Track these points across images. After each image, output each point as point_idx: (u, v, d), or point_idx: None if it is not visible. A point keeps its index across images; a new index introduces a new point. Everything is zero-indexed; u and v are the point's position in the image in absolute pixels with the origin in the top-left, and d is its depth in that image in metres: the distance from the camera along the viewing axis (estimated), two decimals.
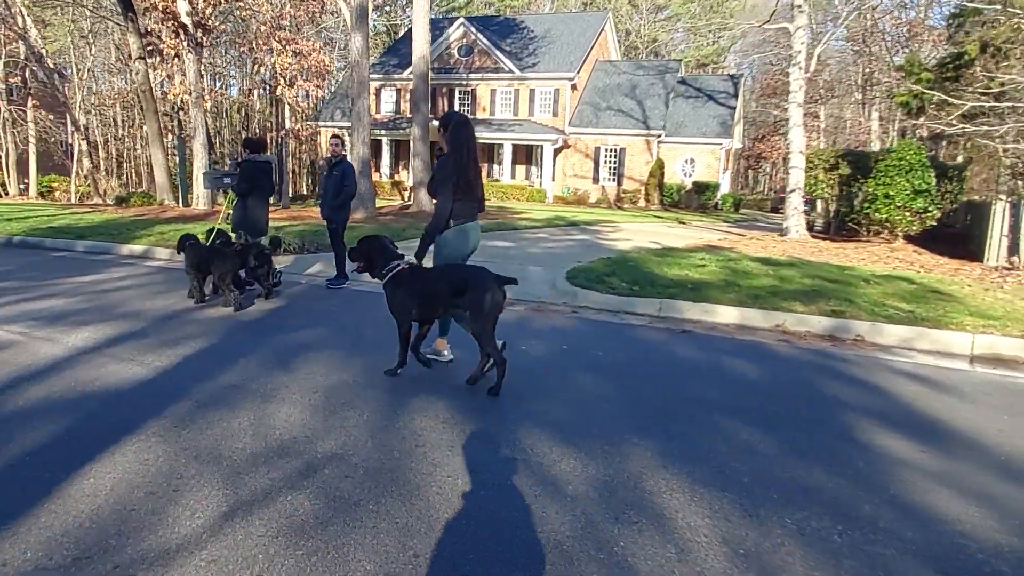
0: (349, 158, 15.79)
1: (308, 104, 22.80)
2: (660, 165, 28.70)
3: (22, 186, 28.08)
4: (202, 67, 17.00)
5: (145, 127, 20.22)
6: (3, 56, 25.60)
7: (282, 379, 4.27)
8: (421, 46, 17.81)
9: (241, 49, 19.88)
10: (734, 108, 29.63)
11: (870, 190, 13.48)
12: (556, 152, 30.24)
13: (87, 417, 3.56)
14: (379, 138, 32.13)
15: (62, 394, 3.89)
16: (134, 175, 37.25)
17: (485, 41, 30.89)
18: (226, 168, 11.00)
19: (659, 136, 28.98)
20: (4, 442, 3.20)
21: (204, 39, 15.63)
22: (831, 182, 16.09)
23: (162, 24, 15.31)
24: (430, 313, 4.23)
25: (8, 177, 27.38)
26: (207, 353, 4.86)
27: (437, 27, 33.16)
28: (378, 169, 33.60)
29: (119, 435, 3.31)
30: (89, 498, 2.70)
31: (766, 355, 5.35)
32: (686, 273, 8.37)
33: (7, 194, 27.28)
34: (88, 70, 31.33)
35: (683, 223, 20.14)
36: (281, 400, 3.89)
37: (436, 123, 5.80)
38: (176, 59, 16.39)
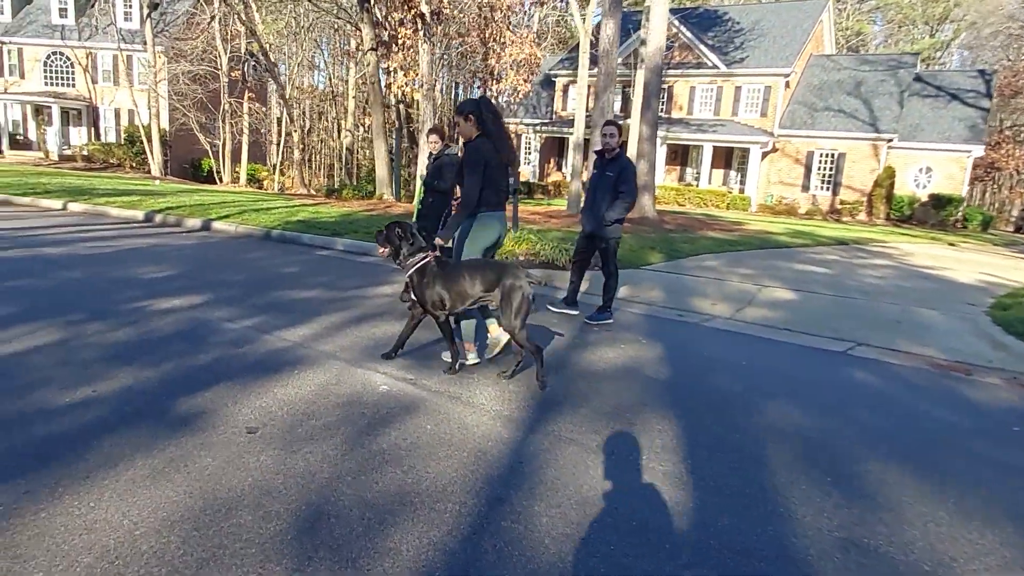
0: (591, 160, 14.60)
1: (515, 99, 21.76)
2: (890, 174, 24.95)
3: (227, 175, 29.86)
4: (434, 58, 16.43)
5: (355, 121, 20.22)
6: (228, 51, 27.12)
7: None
8: (657, 37, 16.04)
9: (456, 41, 19.10)
10: (986, 110, 25.19)
11: None
12: (763, 156, 27.33)
13: None
14: (564, 135, 30.92)
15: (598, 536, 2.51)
16: (323, 167, 38.85)
17: (687, 34, 28.58)
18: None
19: (890, 140, 25.22)
20: None
21: (438, 29, 15.01)
22: None
23: (400, 12, 14.83)
24: (458, 304, 4.09)
25: (223, 166, 29.10)
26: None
27: (630, 20, 31.31)
28: (560, 168, 32.45)
29: None
30: None
31: None
32: None
33: (221, 181, 28.99)
34: (299, 65, 32.90)
35: (953, 246, 16.82)
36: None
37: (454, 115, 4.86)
38: (402, 50, 15.94)
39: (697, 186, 27.80)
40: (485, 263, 4.17)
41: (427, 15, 14.47)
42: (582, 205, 6.66)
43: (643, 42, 20.87)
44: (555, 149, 32.75)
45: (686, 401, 4.03)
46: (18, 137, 32.13)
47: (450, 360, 4.24)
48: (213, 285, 6.53)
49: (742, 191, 27.46)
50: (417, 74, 15.71)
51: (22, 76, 32.19)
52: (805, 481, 3.04)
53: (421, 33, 14.58)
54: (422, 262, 4.10)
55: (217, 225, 11.49)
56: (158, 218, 12.14)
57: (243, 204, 14.74)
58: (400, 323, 5.38)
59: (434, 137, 6.34)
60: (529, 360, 4.11)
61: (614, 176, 5.91)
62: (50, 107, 31.28)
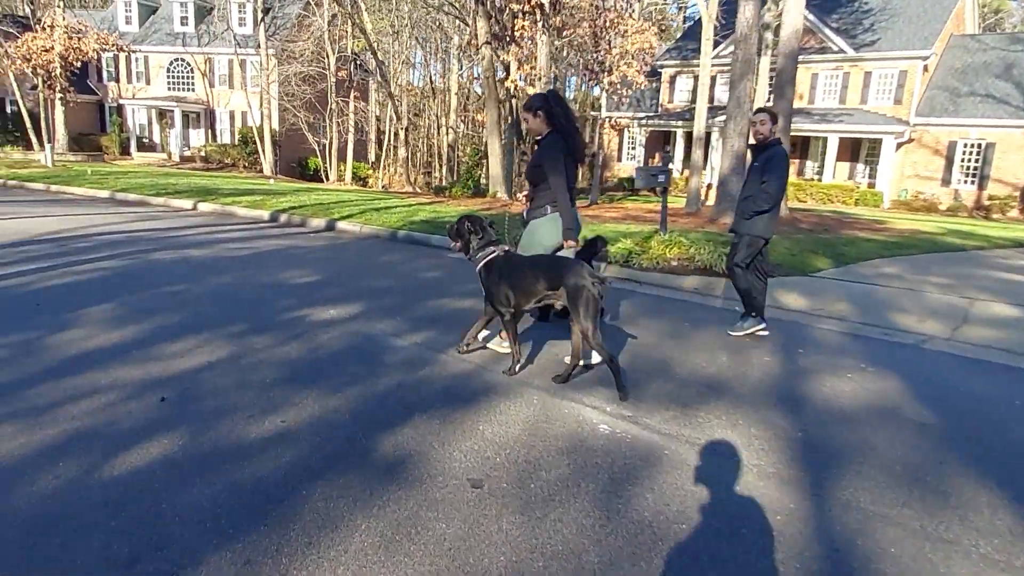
0: (718, 155, 13.47)
1: (625, 93, 20.81)
2: None
3: (334, 173, 30.50)
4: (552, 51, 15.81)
5: (482, 117, 19.86)
6: (336, 51, 27.62)
7: None
8: (794, 18, 14.66)
9: (567, 33, 18.37)
10: None
11: None
12: (897, 147, 25.00)
13: None
14: (672, 129, 29.61)
15: None
16: (420, 164, 39.18)
17: (810, 16, 26.42)
18: (658, 164, 8.92)
19: None
20: None
21: (557, 20, 14.40)
22: None
23: (518, 3, 14.31)
24: (523, 302, 3.89)
25: (329, 164, 29.75)
26: None
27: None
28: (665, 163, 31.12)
29: None
30: None
31: None
32: None
33: (327, 179, 29.65)
34: (403, 63, 33.29)
35: None
36: None
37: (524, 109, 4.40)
38: (517, 43, 15.40)
39: (820, 180, 25.80)
40: (550, 259, 4.00)
41: (546, 5, 13.86)
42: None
43: (766, 26, 19.40)
44: (660, 143, 31.43)
45: (1012, 463, 3.16)
46: (144, 140, 34.22)
47: (509, 353, 4.08)
48: (362, 293, 6.15)
49: (871, 186, 25.24)
50: (533, 68, 15.17)
51: (147, 82, 34.24)
52: None
53: (540, 24, 13.98)
54: (490, 256, 3.98)
55: (341, 225, 11.35)
56: (283, 218, 12.17)
57: (360, 203, 14.66)
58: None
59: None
60: (588, 365, 3.92)
61: (760, 167, 5.14)
62: (172, 111, 33.08)
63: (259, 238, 9.66)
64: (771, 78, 28.21)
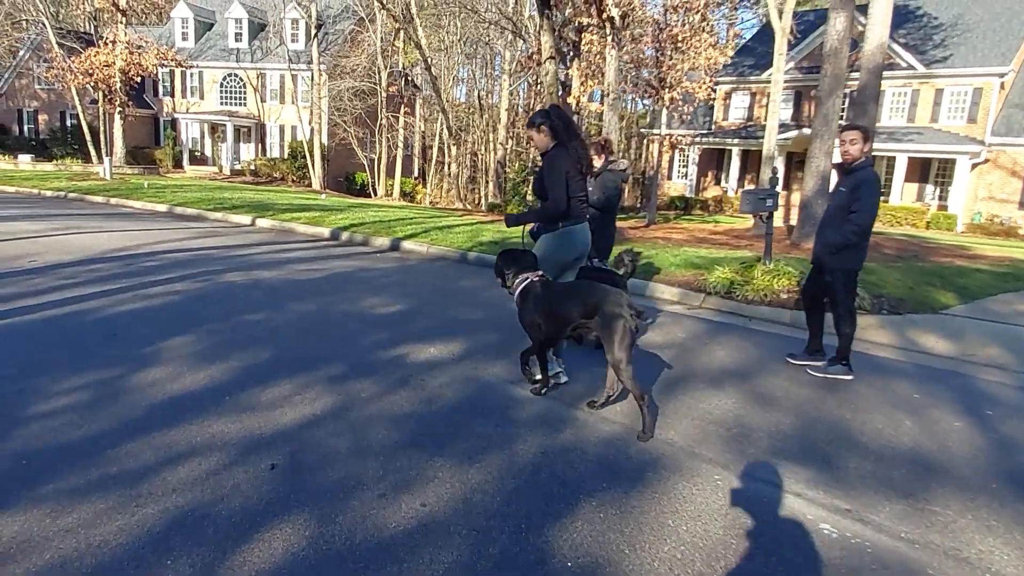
0: (807, 174, 12.63)
1: (687, 109, 20.10)
2: None
3: (382, 188, 30.37)
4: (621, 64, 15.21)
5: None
6: (388, 67, 27.55)
7: None
8: (879, 32, 13.81)
9: (629, 47, 17.76)
10: None
11: None
12: (972, 167, 23.72)
13: None
14: (728, 147, 28.77)
15: None
16: (467, 181, 38.92)
17: None
18: (764, 188, 8.34)
19: None
20: None
21: (627, 34, 13.82)
22: None
23: (587, 17, 13.79)
24: (556, 331, 3.77)
25: (377, 179, 29.61)
26: None
27: (803, 20, 28.70)
28: (718, 182, 30.27)
29: None
30: None
31: None
32: None
33: (375, 194, 29.50)
34: (454, 78, 33.20)
35: None
36: None
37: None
38: (580, 57, 14.88)
39: (887, 202, 24.59)
40: (587, 287, 3.79)
41: (616, 19, 13.32)
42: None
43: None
44: (713, 161, 30.58)
45: None
46: (196, 153, 34.68)
47: (538, 382, 4.00)
48: (457, 327, 5.57)
49: (942, 208, 23.95)
50: (597, 83, 14.58)
51: (201, 97, 34.75)
52: None
53: (610, 38, 13.42)
54: (525, 283, 3.84)
55: (406, 245, 10.88)
56: (344, 236, 11.78)
57: (419, 221, 14.22)
58: (726, 391, 4.08)
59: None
60: (625, 393, 3.68)
61: (847, 192, 4.56)
62: (225, 125, 33.46)
63: (325, 258, 9.23)
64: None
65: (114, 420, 3.29)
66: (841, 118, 16.79)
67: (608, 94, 14.03)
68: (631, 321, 3.43)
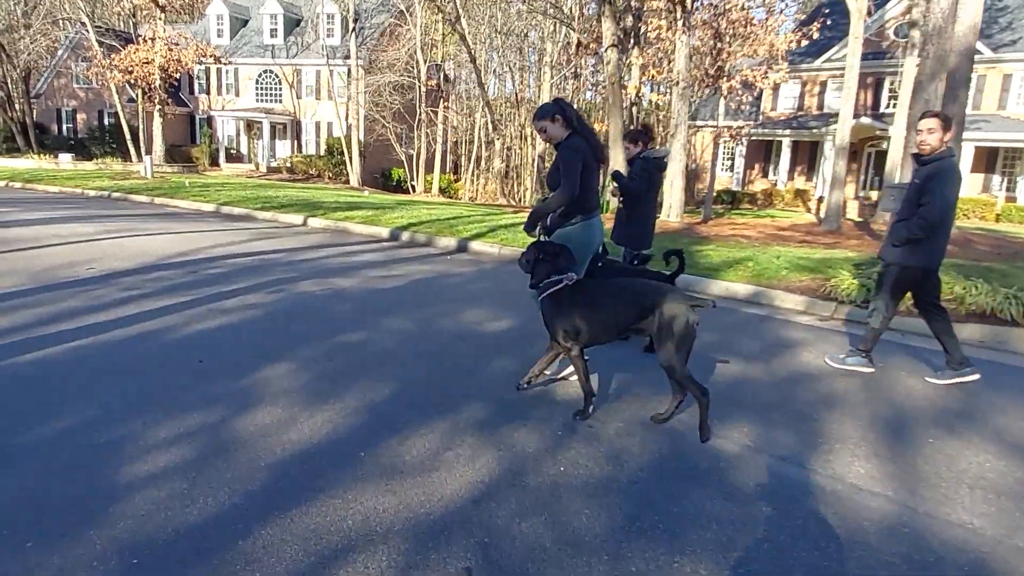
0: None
1: (745, 99, 19.06)
2: None
3: (420, 184, 29.71)
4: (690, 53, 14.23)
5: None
6: (427, 60, 26.84)
7: None
8: (972, 11, 12.68)
9: (705, 31, 16.70)
10: None
11: None
12: None
13: None
14: (777, 138, 27.58)
15: None
16: (502, 176, 38.15)
17: None
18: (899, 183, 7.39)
19: None
20: None
21: (698, 18, 12.88)
22: None
23: (656, 0, 12.88)
24: (601, 337, 3.48)
25: (417, 175, 28.96)
26: None
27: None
28: (766, 175, 29.07)
29: None
30: None
31: None
32: None
33: (413, 191, 28.85)
34: (494, 72, 32.41)
35: None
36: None
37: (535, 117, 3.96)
38: (643, 44, 13.98)
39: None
40: (638, 285, 3.50)
41: (688, 1, 12.36)
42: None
43: (912, 23, 17.39)
44: (761, 153, 29.39)
45: None
46: (232, 151, 34.37)
47: (583, 404, 3.51)
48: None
49: (1011, 199, 22.62)
50: (661, 72, 13.67)
51: (237, 94, 34.42)
52: None
53: (680, 23, 12.49)
54: (558, 287, 3.50)
55: (475, 246, 10.14)
56: (404, 236, 11.08)
57: (477, 219, 13.46)
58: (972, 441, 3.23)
59: (625, 143, 5.74)
60: (690, 400, 3.35)
61: (920, 184, 4.18)
62: (261, 122, 33.08)
63: (396, 262, 8.51)
64: (871, 85, 25.97)
65: (233, 491, 2.56)
66: (963, 101, 15.66)
67: (678, 83, 13.09)
68: (695, 317, 3.19)
